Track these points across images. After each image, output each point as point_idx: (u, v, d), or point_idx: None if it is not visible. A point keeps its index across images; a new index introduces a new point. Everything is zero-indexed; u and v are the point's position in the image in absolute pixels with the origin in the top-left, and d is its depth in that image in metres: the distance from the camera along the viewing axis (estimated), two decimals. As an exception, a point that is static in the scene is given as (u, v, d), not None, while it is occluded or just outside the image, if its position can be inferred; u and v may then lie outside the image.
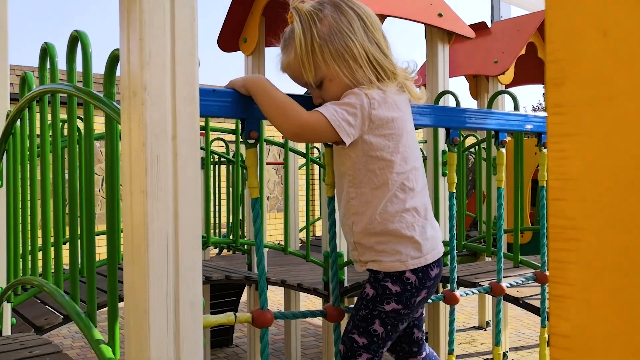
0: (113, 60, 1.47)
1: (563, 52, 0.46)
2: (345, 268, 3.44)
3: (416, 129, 1.64)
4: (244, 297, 5.23)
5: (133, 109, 1.21)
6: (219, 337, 5.64)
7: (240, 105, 1.42)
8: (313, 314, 1.66)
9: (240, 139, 1.48)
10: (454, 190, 1.87)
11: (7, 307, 2.61)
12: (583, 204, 0.46)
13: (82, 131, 2.12)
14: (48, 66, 2.02)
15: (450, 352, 2.00)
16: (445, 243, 1.89)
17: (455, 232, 1.88)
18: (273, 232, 9.47)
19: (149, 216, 1.19)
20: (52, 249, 2.12)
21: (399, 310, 1.51)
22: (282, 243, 4.24)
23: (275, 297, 7.20)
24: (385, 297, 1.50)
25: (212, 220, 4.37)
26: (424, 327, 1.76)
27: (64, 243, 2.31)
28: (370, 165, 1.47)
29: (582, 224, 0.46)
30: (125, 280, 1.27)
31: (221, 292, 4.92)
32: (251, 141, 1.42)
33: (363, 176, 1.48)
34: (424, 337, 1.75)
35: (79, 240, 2.15)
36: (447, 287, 1.96)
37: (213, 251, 5.24)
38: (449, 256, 1.89)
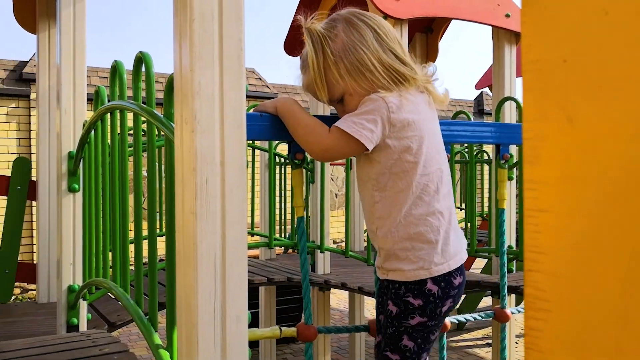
0: (170, 84, 1.57)
1: (534, 134, 0.49)
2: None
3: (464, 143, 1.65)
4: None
5: (185, 136, 1.30)
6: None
7: (285, 128, 1.49)
8: (357, 329, 1.71)
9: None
10: (505, 207, 1.86)
11: (84, 304, 2.80)
12: (553, 277, 0.49)
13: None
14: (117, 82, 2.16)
15: None
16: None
17: (505, 248, 1.86)
18: (341, 229, 9.55)
19: (198, 236, 1.27)
20: (120, 253, 2.26)
21: (425, 322, 1.51)
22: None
23: (342, 295, 7.28)
24: (409, 312, 1.51)
25: (277, 221, 4.48)
26: None
27: (131, 243, 2.46)
28: (394, 169, 1.48)
29: (552, 296, 0.49)
30: (177, 295, 1.36)
31: (287, 290, 5.04)
32: (297, 162, 1.48)
33: (387, 179, 1.49)
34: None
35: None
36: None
37: (279, 250, 5.36)
38: (499, 272, 1.87)
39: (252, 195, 4.43)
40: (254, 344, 5.18)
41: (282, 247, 5.09)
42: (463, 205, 5.70)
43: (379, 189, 1.51)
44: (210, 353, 1.29)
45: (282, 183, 4.93)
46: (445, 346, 1.92)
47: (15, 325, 3.15)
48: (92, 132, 2.52)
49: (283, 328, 1.53)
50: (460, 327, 6.40)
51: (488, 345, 5.65)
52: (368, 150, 1.46)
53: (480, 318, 2.03)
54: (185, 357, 1.33)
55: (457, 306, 6.36)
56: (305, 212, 4.75)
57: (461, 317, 1.99)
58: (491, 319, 2.02)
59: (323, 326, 1.63)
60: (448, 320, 1.85)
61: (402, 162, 1.48)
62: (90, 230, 2.65)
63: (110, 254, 2.43)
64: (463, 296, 6.25)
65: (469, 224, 3.88)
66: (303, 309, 1.55)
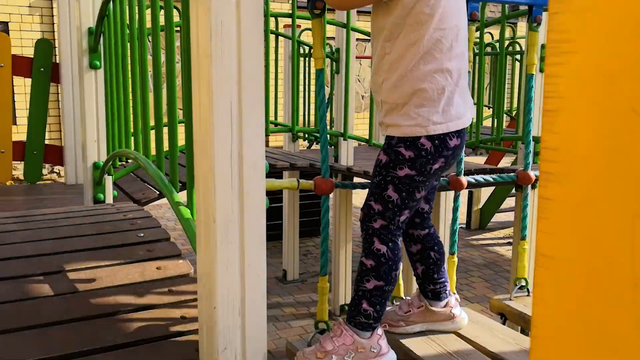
0: None
1: None
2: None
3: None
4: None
5: (199, -25, 1.24)
6: (309, 228, 5.89)
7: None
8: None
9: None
10: (533, 73, 1.79)
11: (109, 180, 2.85)
12: (580, 15, 0.45)
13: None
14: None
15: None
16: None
17: (532, 116, 1.80)
18: (365, 130, 9.49)
19: (214, 79, 1.24)
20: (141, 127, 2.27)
21: (413, 176, 1.49)
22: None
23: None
24: (398, 163, 1.49)
25: (300, 113, 4.44)
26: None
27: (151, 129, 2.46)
28: (409, 19, 1.43)
29: (576, 36, 0.45)
30: (195, 141, 1.36)
31: (311, 198, 5.09)
32: (317, 12, 1.43)
33: (400, 30, 1.44)
34: (430, 212, 1.72)
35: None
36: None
37: (303, 144, 5.37)
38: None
39: (276, 86, 4.39)
40: (277, 236, 5.29)
41: (307, 141, 5.08)
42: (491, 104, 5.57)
43: (391, 40, 1.47)
44: (227, 198, 1.30)
45: (306, 74, 4.85)
46: (459, 208, 1.91)
47: (45, 202, 3.25)
48: (110, 2, 2.47)
49: (301, 180, 1.53)
50: (482, 227, 6.45)
51: (509, 244, 5.70)
52: None
53: (501, 179, 2.03)
54: (203, 203, 1.34)
55: (481, 205, 6.39)
56: (329, 106, 4.69)
57: (480, 177, 1.98)
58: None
59: (340, 182, 1.63)
60: (465, 179, 1.85)
61: (417, 13, 1.42)
62: (113, 106, 2.65)
63: (132, 126, 2.44)
64: (489, 191, 6.27)
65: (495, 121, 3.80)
66: (321, 164, 1.54)
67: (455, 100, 1.47)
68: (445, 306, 1.72)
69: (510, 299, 1.95)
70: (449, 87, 1.46)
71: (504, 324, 1.87)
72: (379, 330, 1.55)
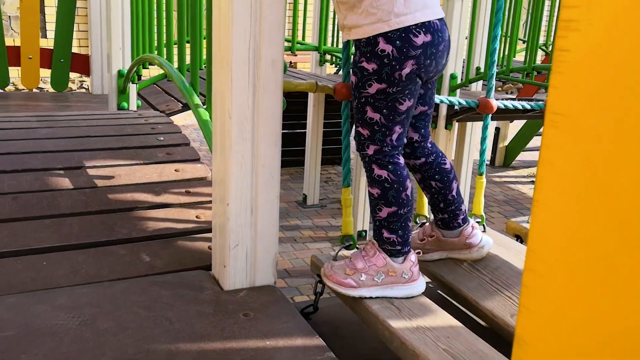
0: None
1: None
2: (458, 90, 3.37)
3: None
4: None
5: None
6: (331, 155, 5.89)
7: None
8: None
9: None
10: None
11: (133, 88, 2.85)
12: None
13: None
14: None
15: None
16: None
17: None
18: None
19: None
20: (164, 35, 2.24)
21: (384, 89, 1.37)
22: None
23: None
24: (365, 80, 1.38)
25: (329, 34, 4.35)
26: (426, 132, 1.59)
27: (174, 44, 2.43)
28: None
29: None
30: (214, 35, 1.33)
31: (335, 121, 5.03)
32: None
33: None
34: (424, 141, 1.59)
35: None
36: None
37: (330, 68, 5.28)
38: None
39: (305, 4, 4.28)
40: (300, 162, 5.31)
41: (334, 65, 5.00)
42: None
43: None
44: (244, 94, 1.28)
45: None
46: (489, 126, 1.85)
47: (70, 109, 3.28)
48: None
49: (320, 83, 1.50)
50: (506, 164, 6.38)
51: (532, 182, 5.64)
52: None
53: (537, 107, 1.97)
54: (219, 99, 1.33)
55: (508, 142, 6.29)
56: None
57: (509, 103, 1.92)
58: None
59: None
60: (494, 103, 1.77)
61: None
62: (138, 15, 2.62)
63: (155, 34, 2.41)
64: (516, 128, 6.17)
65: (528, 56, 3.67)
66: (342, 67, 1.51)
67: None
68: (459, 235, 1.65)
69: (528, 222, 1.93)
70: None
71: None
72: (413, 257, 1.48)
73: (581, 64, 0.44)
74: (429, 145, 1.60)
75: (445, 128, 3.40)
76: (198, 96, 1.79)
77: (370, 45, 1.35)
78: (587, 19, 0.43)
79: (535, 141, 6.31)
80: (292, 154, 5.60)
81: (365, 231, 4.01)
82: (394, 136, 1.43)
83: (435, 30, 1.37)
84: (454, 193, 1.62)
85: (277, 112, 1.33)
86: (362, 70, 1.38)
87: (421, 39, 1.34)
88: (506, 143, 6.34)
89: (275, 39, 1.28)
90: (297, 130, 5.48)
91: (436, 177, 1.60)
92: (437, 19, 1.38)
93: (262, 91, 1.29)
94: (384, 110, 1.39)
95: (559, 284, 0.48)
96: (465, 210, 1.66)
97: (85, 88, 7.59)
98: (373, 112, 1.40)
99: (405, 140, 1.48)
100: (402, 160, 1.46)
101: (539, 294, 0.50)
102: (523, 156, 6.55)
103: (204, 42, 1.87)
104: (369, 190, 1.47)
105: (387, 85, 1.36)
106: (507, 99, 3.08)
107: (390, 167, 1.43)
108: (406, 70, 1.35)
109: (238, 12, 1.22)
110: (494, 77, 1.77)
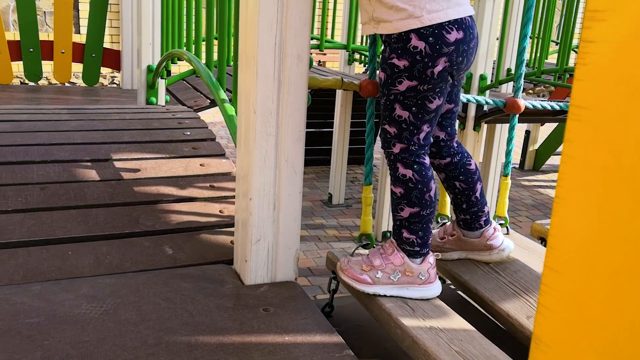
0: None
1: None
2: (487, 92, 3.32)
3: None
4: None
5: None
6: (358, 155, 5.88)
7: None
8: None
9: None
10: None
11: (162, 84, 2.88)
12: None
13: None
14: None
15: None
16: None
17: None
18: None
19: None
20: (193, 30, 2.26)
21: (415, 87, 1.34)
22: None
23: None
24: (396, 77, 1.35)
25: (358, 33, 4.34)
26: (454, 131, 1.56)
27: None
28: None
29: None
30: (240, 27, 1.33)
31: (362, 120, 5.02)
32: None
33: None
34: (450, 140, 1.57)
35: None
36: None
37: (359, 67, 5.27)
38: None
39: (335, 4, 4.27)
40: (326, 162, 5.31)
41: (363, 64, 4.99)
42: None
43: None
44: (269, 88, 1.28)
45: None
46: (515, 127, 1.81)
47: (100, 104, 3.32)
48: None
49: (346, 79, 1.50)
50: (536, 168, 6.29)
51: (562, 187, 5.53)
52: None
53: (559, 107, 1.91)
54: (244, 93, 1.33)
55: (538, 145, 6.21)
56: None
57: (537, 103, 1.86)
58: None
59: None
60: (522, 103, 1.74)
61: None
62: (167, 9, 2.64)
63: (185, 30, 2.43)
64: (547, 132, 6.07)
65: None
66: (368, 63, 1.49)
67: None
68: (480, 236, 1.62)
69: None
70: None
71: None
72: (431, 259, 1.46)
73: (607, 56, 0.43)
74: (455, 144, 1.58)
75: (474, 129, 3.36)
76: (225, 92, 1.80)
77: (401, 42, 1.33)
78: (614, 8, 0.42)
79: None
80: (318, 152, 5.60)
81: (390, 232, 3.98)
82: (422, 135, 1.40)
83: (467, 26, 1.35)
84: (477, 194, 1.59)
85: (301, 108, 1.33)
86: (392, 67, 1.35)
87: (454, 35, 1.32)
88: (536, 146, 6.25)
89: (301, 34, 1.28)
90: (324, 129, 5.48)
91: (460, 177, 1.57)
92: (469, 16, 1.36)
93: (287, 86, 1.29)
94: (413, 108, 1.37)
95: (580, 282, 0.47)
96: (488, 212, 1.63)
97: (116, 84, 7.70)
98: (402, 109, 1.37)
99: (432, 140, 1.46)
100: (427, 160, 1.44)
101: (558, 293, 0.49)
102: (553, 160, 6.45)
103: (232, 39, 1.89)
104: (391, 189, 1.44)
105: (418, 82, 1.34)
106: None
107: (415, 166, 1.40)
108: (438, 68, 1.33)
109: (264, 6, 1.22)
110: (522, 76, 1.74)
